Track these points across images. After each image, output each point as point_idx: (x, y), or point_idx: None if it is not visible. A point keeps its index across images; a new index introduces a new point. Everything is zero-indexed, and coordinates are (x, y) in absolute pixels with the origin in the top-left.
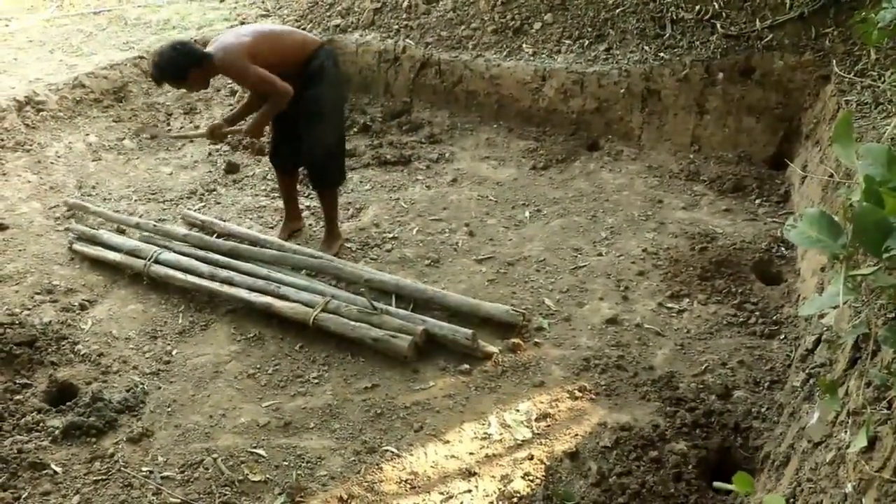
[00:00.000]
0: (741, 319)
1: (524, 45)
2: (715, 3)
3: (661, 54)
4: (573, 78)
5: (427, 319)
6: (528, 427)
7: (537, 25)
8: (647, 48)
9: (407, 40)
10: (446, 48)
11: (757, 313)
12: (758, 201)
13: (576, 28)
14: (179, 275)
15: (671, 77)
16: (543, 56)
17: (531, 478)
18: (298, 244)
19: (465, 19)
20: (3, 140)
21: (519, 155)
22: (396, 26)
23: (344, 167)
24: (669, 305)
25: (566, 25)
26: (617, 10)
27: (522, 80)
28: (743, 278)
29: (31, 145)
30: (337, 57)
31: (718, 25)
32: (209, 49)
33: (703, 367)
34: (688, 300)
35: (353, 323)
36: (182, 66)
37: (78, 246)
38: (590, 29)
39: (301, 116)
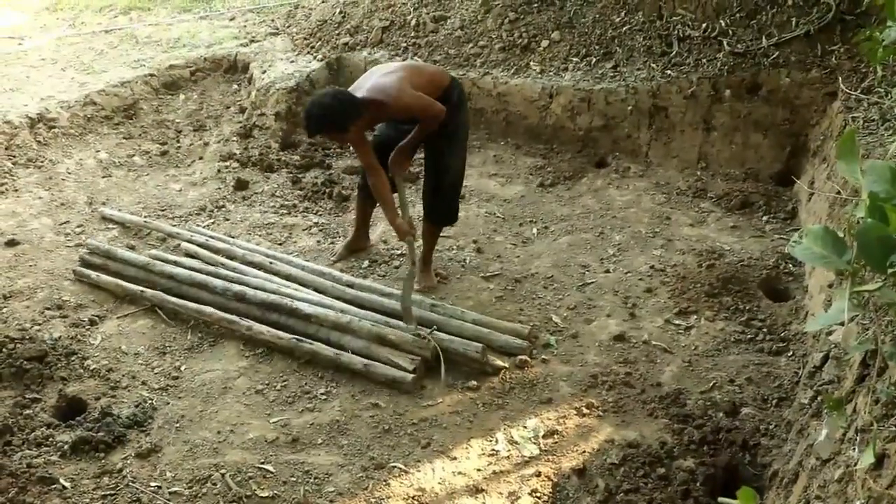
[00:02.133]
0: (749, 336)
1: (532, 63)
2: (721, 21)
3: (668, 71)
4: (580, 95)
5: (479, 328)
6: (535, 444)
7: (545, 43)
8: (654, 65)
9: (415, 58)
10: (454, 66)
11: (764, 330)
12: (765, 218)
13: (583, 46)
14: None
15: (678, 94)
16: (551, 74)
17: (538, 495)
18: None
19: (473, 37)
20: (15, 157)
21: (526, 172)
22: (405, 44)
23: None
24: (677, 322)
25: (573, 43)
26: (624, 28)
27: (530, 98)
28: (750, 295)
29: (42, 162)
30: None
31: (725, 43)
32: (364, 95)
33: (710, 384)
34: (695, 317)
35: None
36: (346, 117)
37: (81, 270)
38: (597, 47)
39: (437, 146)
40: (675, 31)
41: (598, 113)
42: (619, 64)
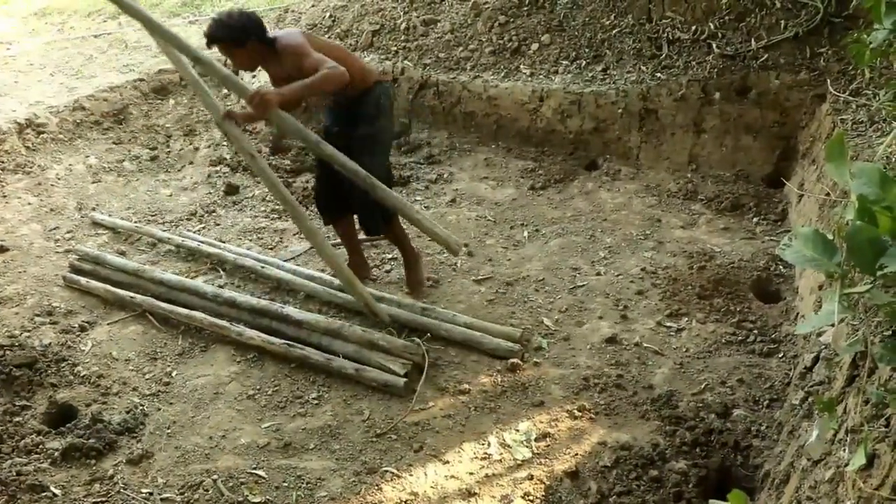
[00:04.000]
0: (740, 338)
1: (522, 66)
2: (711, 24)
3: (658, 74)
4: (571, 98)
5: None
6: (527, 447)
7: (535, 46)
8: (643, 68)
9: (405, 62)
10: (444, 69)
11: (756, 332)
12: (755, 220)
13: (573, 49)
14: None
15: (668, 97)
16: (541, 77)
17: (531, 498)
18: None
19: (463, 41)
20: (3, 162)
21: (517, 175)
22: (395, 48)
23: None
24: (668, 324)
25: (563, 46)
26: (613, 31)
27: (520, 101)
28: (741, 297)
29: (31, 167)
30: (393, 94)
31: (714, 45)
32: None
33: (702, 386)
34: (686, 319)
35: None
36: (247, 32)
37: (71, 276)
38: (587, 49)
39: (353, 154)
40: (665, 34)
41: (588, 116)
42: (609, 67)
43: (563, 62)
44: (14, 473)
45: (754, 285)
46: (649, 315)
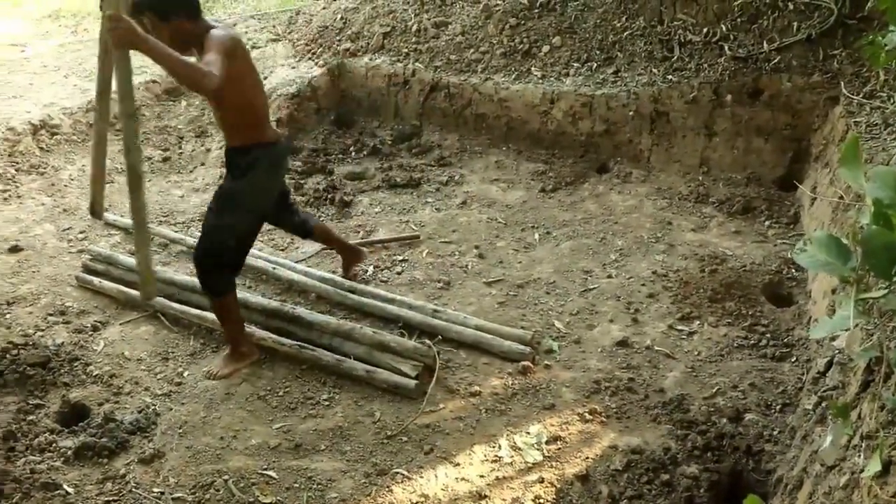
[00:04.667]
0: (752, 342)
1: (533, 69)
2: (723, 26)
3: (670, 77)
4: (582, 100)
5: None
6: (538, 450)
7: (545, 48)
8: (655, 70)
9: (416, 64)
10: (455, 71)
11: (768, 335)
12: (767, 223)
13: (584, 51)
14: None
15: (680, 99)
16: (552, 79)
17: (541, 501)
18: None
19: (474, 43)
20: (18, 163)
21: (528, 177)
22: (406, 50)
23: (227, 280)
24: (680, 328)
25: (574, 48)
26: (625, 34)
27: (531, 103)
28: (753, 300)
29: (45, 168)
30: (282, 160)
31: (726, 48)
32: (215, 25)
33: (714, 390)
34: (698, 322)
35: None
36: (174, 4)
37: (84, 276)
38: (598, 52)
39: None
40: (677, 36)
41: (599, 118)
42: (620, 69)
43: (574, 64)
44: (28, 471)
45: (766, 289)
46: (660, 318)
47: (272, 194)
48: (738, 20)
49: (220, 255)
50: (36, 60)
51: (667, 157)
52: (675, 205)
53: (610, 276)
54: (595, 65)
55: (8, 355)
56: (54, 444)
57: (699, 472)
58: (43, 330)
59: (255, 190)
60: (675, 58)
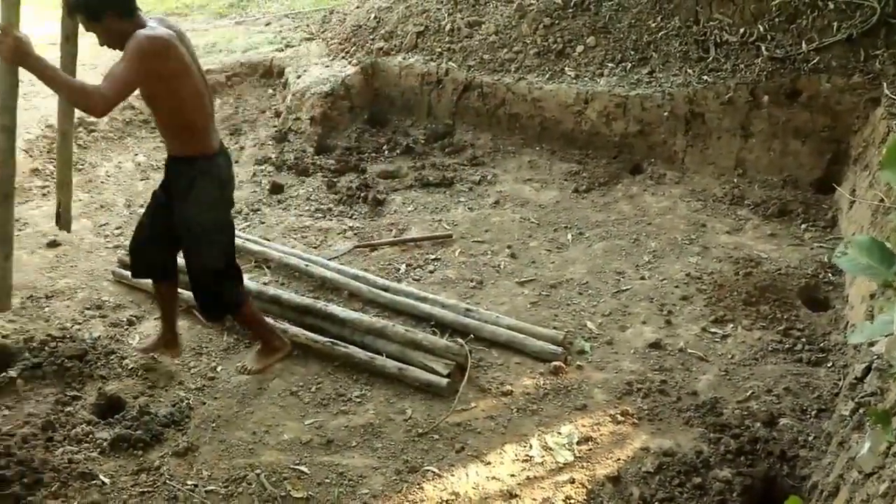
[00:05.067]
0: (787, 346)
1: (566, 68)
2: (760, 26)
3: (705, 77)
4: (616, 101)
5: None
6: (569, 450)
7: (580, 48)
8: (690, 71)
9: (450, 63)
10: (489, 71)
11: (803, 340)
12: (804, 226)
13: (618, 51)
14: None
15: (715, 100)
16: (586, 79)
17: (572, 501)
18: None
19: (508, 42)
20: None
21: (561, 177)
22: (439, 49)
23: (238, 291)
24: (713, 330)
25: (608, 48)
26: (660, 34)
27: (565, 103)
28: (788, 304)
29: (82, 165)
30: (223, 172)
31: (763, 48)
32: (148, 22)
33: (747, 394)
34: (732, 325)
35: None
36: (104, 6)
37: (120, 271)
38: (632, 52)
39: (182, 241)
40: (713, 36)
41: (633, 119)
42: (654, 69)
43: (609, 64)
44: (66, 461)
45: (802, 292)
46: (694, 321)
47: (229, 199)
48: (776, 20)
49: (218, 277)
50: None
51: (701, 159)
52: (709, 207)
53: (643, 278)
54: (629, 65)
55: (47, 347)
56: (91, 435)
57: (732, 476)
58: (80, 323)
59: (210, 207)
60: (711, 58)
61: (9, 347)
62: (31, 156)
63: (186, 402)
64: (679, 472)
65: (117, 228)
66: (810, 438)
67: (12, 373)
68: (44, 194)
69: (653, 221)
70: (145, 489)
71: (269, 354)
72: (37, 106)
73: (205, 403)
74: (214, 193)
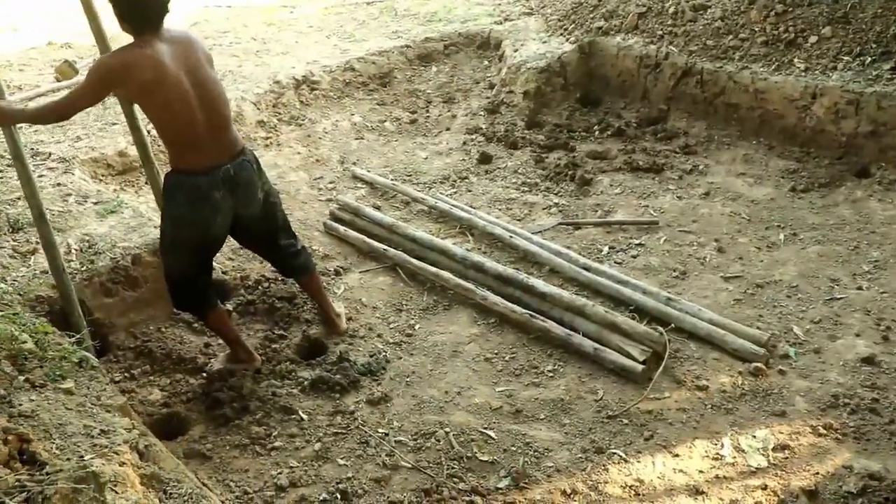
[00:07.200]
0: None
1: (796, 60)
2: None
3: None
4: (848, 98)
5: (715, 329)
6: (763, 455)
7: (813, 39)
8: None
9: (670, 47)
10: (710, 58)
11: None
12: None
13: (857, 44)
14: (430, 268)
15: None
16: (816, 72)
17: None
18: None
19: (734, 29)
20: (280, 114)
21: (778, 175)
22: (660, 32)
23: (201, 298)
24: None
25: (846, 40)
26: None
27: (790, 97)
28: None
29: (303, 120)
30: (211, 193)
31: None
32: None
33: None
34: None
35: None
36: (125, 14)
37: (331, 224)
38: (874, 45)
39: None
40: None
41: (866, 118)
42: None
43: (844, 58)
44: (270, 394)
45: None
46: None
47: (207, 228)
48: None
49: (171, 285)
50: (303, 21)
51: None
52: None
53: (860, 288)
54: (868, 59)
55: (260, 286)
56: (294, 374)
57: None
58: None
59: (178, 224)
60: None
61: (227, 283)
62: (258, 108)
63: (384, 354)
64: (886, 499)
65: (331, 183)
66: None
67: (229, 306)
68: (266, 145)
69: (877, 229)
70: (339, 430)
71: (235, 363)
72: (268, 63)
73: (401, 358)
74: (180, 210)
